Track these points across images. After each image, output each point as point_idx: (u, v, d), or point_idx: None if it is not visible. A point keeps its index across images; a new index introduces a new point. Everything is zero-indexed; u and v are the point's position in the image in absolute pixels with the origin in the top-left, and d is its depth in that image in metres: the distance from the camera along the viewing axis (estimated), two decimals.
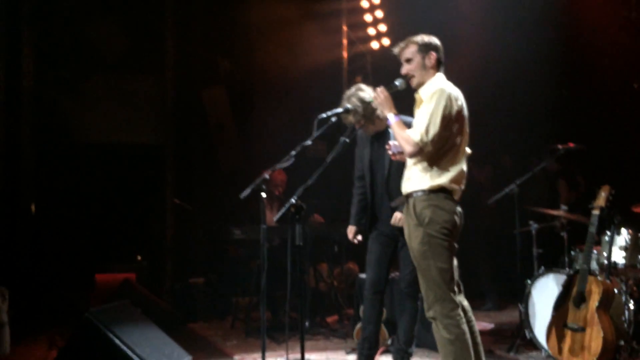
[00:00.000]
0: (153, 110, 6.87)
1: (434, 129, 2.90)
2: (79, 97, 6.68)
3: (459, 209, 3.03)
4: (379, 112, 3.21)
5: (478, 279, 6.54)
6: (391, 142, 3.20)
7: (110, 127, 6.81)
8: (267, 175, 3.37)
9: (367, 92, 3.72)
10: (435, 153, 2.96)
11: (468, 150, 3.17)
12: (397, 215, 3.64)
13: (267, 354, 4.26)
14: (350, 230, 4.01)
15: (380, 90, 3.11)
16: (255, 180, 3.33)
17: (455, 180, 3.00)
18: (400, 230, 3.56)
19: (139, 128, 6.98)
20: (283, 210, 3.14)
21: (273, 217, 5.24)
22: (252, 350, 4.61)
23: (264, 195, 3.38)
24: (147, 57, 6.77)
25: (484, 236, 6.51)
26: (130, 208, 6.71)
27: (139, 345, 3.47)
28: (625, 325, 3.87)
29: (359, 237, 4.00)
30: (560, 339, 3.76)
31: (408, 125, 3.23)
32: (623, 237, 4.15)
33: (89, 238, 6.41)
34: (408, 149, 2.95)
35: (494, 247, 6.51)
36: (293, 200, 3.09)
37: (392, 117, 3.06)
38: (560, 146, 4.91)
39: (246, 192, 3.30)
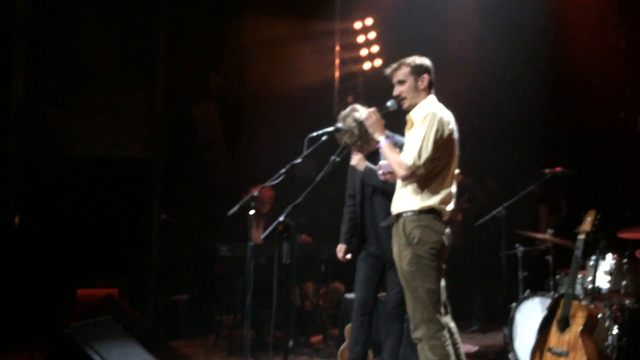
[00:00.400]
0: (142, 124, 6.86)
1: (426, 153, 2.94)
2: (67, 110, 6.65)
3: (447, 230, 3.05)
4: (370, 132, 3.23)
5: (466, 300, 6.55)
6: (381, 162, 3.22)
7: (99, 141, 6.78)
8: (255, 193, 3.37)
9: (362, 112, 3.75)
10: (426, 175, 2.99)
11: (457, 171, 3.20)
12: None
13: None
14: (340, 248, 4.00)
15: (372, 111, 3.14)
16: (243, 197, 3.33)
17: (444, 201, 3.03)
18: (389, 251, 3.56)
19: (127, 142, 6.95)
20: (271, 228, 3.13)
21: (260, 234, 5.23)
22: None
23: (251, 212, 3.38)
24: (139, 72, 6.77)
25: (475, 257, 6.53)
26: (116, 222, 6.65)
27: None
28: (609, 350, 3.87)
29: (349, 256, 3.99)
30: None
31: (399, 146, 3.25)
32: (608, 262, 4.17)
33: (72, 252, 6.33)
34: (401, 172, 2.97)
35: (483, 269, 6.52)
36: (281, 218, 3.08)
37: (382, 140, 3.09)
38: (547, 170, 4.97)
39: (234, 210, 3.29)
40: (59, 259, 6.23)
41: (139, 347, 3.84)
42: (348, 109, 3.84)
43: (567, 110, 7.10)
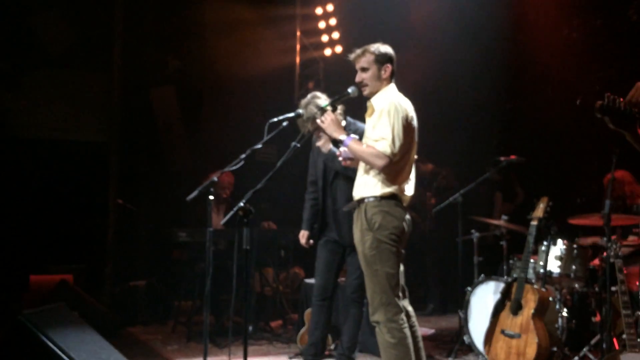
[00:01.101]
0: (98, 107, 6.68)
1: (399, 140, 2.99)
2: (19, 91, 6.41)
3: (407, 216, 3.10)
4: (329, 135, 3.23)
5: (423, 284, 6.70)
6: (341, 149, 3.23)
7: (53, 124, 6.58)
8: (215, 178, 3.33)
9: (322, 99, 3.75)
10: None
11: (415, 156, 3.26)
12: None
13: (209, 358, 4.22)
14: (303, 235, 4.02)
15: (326, 114, 3.14)
16: (202, 182, 3.29)
17: (404, 188, 3.09)
18: (349, 236, 3.60)
19: (82, 125, 6.77)
20: (231, 213, 3.11)
21: (220, 220, 5.19)
22: (193, 354, 4.53)
23: (211, 198, 3.35)
24: (94, 52, 6.58)
25: (431, 243, 6.67)
26: (70, 207, 6.48)
27: (74, 350, 3.34)
28: (559, 332, 4.03)
29: (311, 242, 4.02)
30: (497, 345, 3.88)
31: (358, 132, 3.28)
32: (559, 247, 4.32)
33: (25, 237, 6.14)
34: (379, 162, 2.98)
35: (439, 253, 6.67)
36: (242, 204, 3.06)
37: (345, 138, 3.09)
38: (502, 158, 5.09)
39: (194, 195, 3.26)
40: (11, 244, 6.03)
41: (94, 333, 3.77)
42: (309, 96, 3.84)
43: (522, 100, 7.28)
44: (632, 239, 4.38)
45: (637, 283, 3.97)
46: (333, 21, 7.79)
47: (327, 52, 7.87)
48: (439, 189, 6.45)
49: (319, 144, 3.72)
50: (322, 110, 3.23)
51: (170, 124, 7.26)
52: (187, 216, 5.46)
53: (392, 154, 2.97)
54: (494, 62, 6.98)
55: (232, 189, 5.45)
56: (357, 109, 3.63)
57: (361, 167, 3.15)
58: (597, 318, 4.16)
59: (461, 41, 6.91)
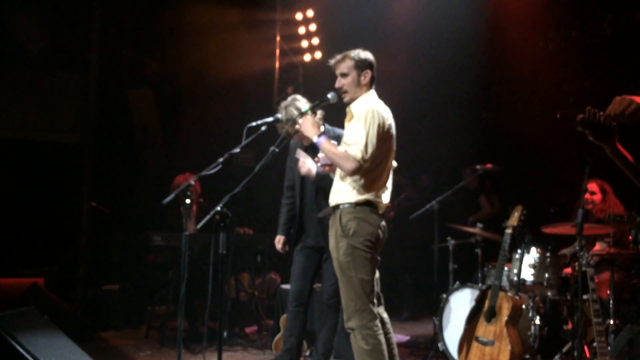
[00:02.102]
0: (74, 108, 6.56)
1: (372, 147, 2.99)
2: None
3: (383, 222, 3.11)
4: (305, 136, 3.24)
5: (398, 290, 6.71)
6: (320, 155, 3.23)
7: (27, 124, 6.45)
8: (192, 181, 3.30)
9: (302, 102, 3.76)
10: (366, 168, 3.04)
11: (394, 163, 3.27)
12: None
13: None
14: (279, 240, 4.00)
15: (303, 117, 3.15)
16: (173, 186, 3.26)
17: (380, 195, 3.09)
18: (325, 242, 3.60)
19: (57, 126, 6.64)
20: (208, 217, 3.09)
21: (191, 224, 5.15)
22: None
23: (188, 201, 3.32)
24: (71, 53, 6.47)
25: (407, 250, 6.70)
26: (43, 209, 6.36)
27: (43, 354, 3.28)
28: (531, 339, 4.08)
29: (287, 248, 4.00)
30: (471, 352, 3.90)
31: (338, 138, 3.28)
32: (532, 255, 4.38)
33: None
34: (349, 166, 2.99)
35: (415, 260, 6.71)
36: (218, 208, 3.04)
37: (318, 139, 3.09)
38: (478, 167, 5.16)
39: (170, 198, 3.22)
40: None
41: (65, 338, 3.70)
42: (289, 99, 3.85)
43: (498, 109, 7.38)
44: (600, 247, 4.45)
45: (607, 292, 4.04)
46: (313, 27, 7.81)
47: (307, 57, 7.88)
48: (399, 207, 6.49)
49: (300, 166, 3.67)
50: (302, 114, 3.23)
51: (147, 126, 7.18)
52: (161, 220, 5.41)
53: (362, 159, 2.97)
54: (471, 71, 7.06)
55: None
56: (337, 115, 3.64)
57: (338, 173, 3.15)
58: (569, 326, 4.21)
59: (439, 50, 6.99)
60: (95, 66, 6.29)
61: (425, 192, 6.99)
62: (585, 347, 3.99)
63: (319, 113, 3.75)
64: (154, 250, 5.34)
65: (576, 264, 3.78)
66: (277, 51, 7.94)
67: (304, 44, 7.88)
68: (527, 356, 3.93)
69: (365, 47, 3.32)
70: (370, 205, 3.05)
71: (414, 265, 6.76)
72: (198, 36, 7.12)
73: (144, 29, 7.04)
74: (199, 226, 3.04)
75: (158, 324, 5.25)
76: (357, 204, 3.04)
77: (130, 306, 5.84)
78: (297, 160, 3.84)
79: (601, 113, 1.89)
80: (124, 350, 4.86)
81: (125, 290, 5.91)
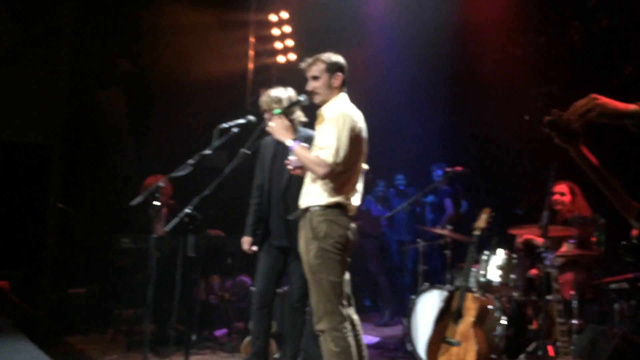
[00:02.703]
0: (42, 107, 6.43)
1: (343, 151, 3.01)
2: None
3: (353, 225, 3.13)
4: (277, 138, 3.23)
5: (375, 292, 6.77)
6: (290, 158, 3.24)
7: None
8: (161, 183, 3.28)
9: (278, 90, 3.77)
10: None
11: (365, 166, 3.30)
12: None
13: None
14: (246, 241, 3.96)
15: (276, 117, 3.16)
16: (143, 187, 3.23)
17: (350, 197, 3.11)
18: (292, 242, 3.60)
19: (24, 125, 6.49)
20: (176, 219, 3.06)
21: (160, 226, 5.10)
22: None
23: (157, 203, 3.28)
24: (40, 51, 6.33)
25: (382, 251, 6.77)
26: (8, 210, 6.21)
27: None
28: (497, 339, 4.14)
29: (254, 248, 3.97)
30: (439, 352, 3.95)
31: (309, 140, 3.29)
32: (499, 257, 4.44)
33: None
34: (320, 170, 3.00)
35: (388, 262, 6.78)
36: (188, 210, 3.02)
37: (292, 143, 3.10)
38: (448, 169, 5.24)
39: (138, 200, 3.19)
40: None
41: (29, 343, 3.63)
42: (263, 95, 3.85)
43: (468, 113, 7.49)
44: (567, 249, 4.54)
45: (571, 292, 4.13)
46: (287, 29, 7.81)
47: (281, 59, 7.88)
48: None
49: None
50: (274, 116, 3.23)
51: (117, 127, 7.08)
52: (130, 222, 5.34)
53: (334, 163, 2.99)
54: (443, 74, 7.17)
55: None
56: (309, 117, 3.65)
57: (308, 176, 3.16)
58: (534, 326, 4.29)
59: (411, 53, 7.07)
60: (64, 65, 6.18)
61: (400, 194, 7.08)
62: (550, 347, 4.07)
63: (298, 114, 3.77)
64: (122, 253, 5.27)
65: (541, 265, 3.86)
66: (251, 52, 7.92)
67: (278, 45, 7.87)
68: (494, 356, 3.99)
69: (339, 49, 3.35)
70: (340, 208, 3.07)
71: (388, 267, 6.84)
72: (170, 36, 7.05)
73: (115, 28, 6.94)
74: (167, 228, 3.01)
75: (125, 327, 5.18)
76: (328, 207, 3.05)
77: (97, 310, 5.74)
78: (266, 159, 3.82)
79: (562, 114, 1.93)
80: (90, 355, 4.78)
81: (92, 293, 5.80)
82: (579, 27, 6.36)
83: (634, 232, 2.06)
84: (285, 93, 3.78)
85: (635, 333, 4.00)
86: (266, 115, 3.73)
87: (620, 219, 2.18)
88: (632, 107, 1.72)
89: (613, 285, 4.82)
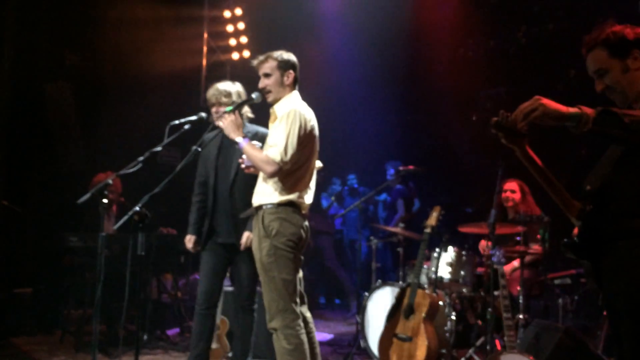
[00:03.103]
0: None
1: (292, 149, 3.00)
2: None
3: (306, 223, 3.14)
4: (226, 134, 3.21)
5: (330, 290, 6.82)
6: (244, 155, 3.22)
7: None
8: (110, 180, 3.20)
9: (227, 84, 3.74)
10: (288, 170, 3.05)
11: (319, 163, 3.32)
12: (246, 234, 3.54)
13: None
14: (190, 239, 3.83)
15: (227, 115, 3.14)
16: (91, 184, 3.14)
17: (303, 195, 3.12)
18: (237, 239, 3.59)
19: None
20: (126, 217, 3.00)
21: (110, 224, 4.99)
22: None
23: (105, 201, 3.20)
24: None
25: (337, 249, 6.82)
26: None
27: None
28: (447, 335, 4.24)
29: (198, 247, 3.84)
30: (390, 348, 4.02)
31: (263, 139, 3.28)
32: (449, 254, 4.56)
33: None
34: (268, 168, 3.00)
35: (343, 259, 6.84)
36: (137, 208, 2.96)
37: (241, 140, 3.09)
38: (401, 168, 5.32)
39: (86, 197, 3.10)
40: None
41: None
42: (211, 90, 3.79)
43: (421, 113, 7.63)
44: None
45: (518, 288, 4.27)
46: (241, 25, 7.76)
47: (235, 56, 7.82)
48: None
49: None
50: (225, 113, 3.21)
51: (65, 121, 6.85)
52: (78, 220, 5.20)
53: (282, 161, 2.99)
54: (395, 74, 7.27)
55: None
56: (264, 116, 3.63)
57: (260, 174, 3.16)
58: (482, 321, 4.41)
59: (365, 52, 7.14)
60: (8, 58, 5.95)
61: (353, 192, 7.14)
62: (497, 341, 4.20)
63: (246, 110, 3.73)
64: (70, 252, 5.13)
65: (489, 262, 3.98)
66: (205, 48, 7.83)
67: (232, 42, 7.81)
68: (443, 350, 4.09)
69: (294, 47, 3.35)
70: (292, 206, 3.07)
71: (344, 264, 6.89)
72: (122, 29, 6.89)
73: (63, 20, 6.72)
74: (115, 227, 2.94)
75: (74, 328, 5.05)
76: (280, 205, 3.05)
77: (44, 310, 5.58)
78: (211, 154, 3.73)
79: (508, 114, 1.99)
80: (37, 357, 4.63)
81: (39, 293, 5.63)
82: (526, 31, 6.58)
83: (575, 231, 2.15)
84: (234, 87, 3.73)
85: (577, 327, 4.18)
86: (214, 109, 3.68)
87: (563, 218, 2.27)
88: (573, 110, 1.79)
89: (557, 281, 5.02)
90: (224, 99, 3.67)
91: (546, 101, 1.81)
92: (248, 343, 3.86)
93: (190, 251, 3.88)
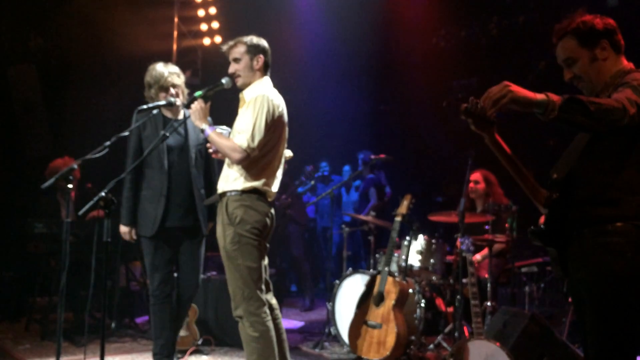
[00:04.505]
0: None
1: (259, 135, 2.96)
2: None
3: (272, 210, 3.11)
4: (193, 121, 3.16)
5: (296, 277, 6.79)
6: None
7: None
8: (75, 166, 3.12)
9: (167, 65, 3.70)
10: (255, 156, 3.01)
11: (289, 153, 3.28)
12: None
13: (64, 357, 3.97)
14: (128, 230, 3.64)
15: (195, 103, 3.10)
16: (48, 170, 3.04)
17: (269, 183, 3.08)
18: (193, 222, 3.59)
19: None
20: (91, 203, 2.92)
21: (66, 210, 4.88)
22: (47, 354, 4.22)
23: (70, 186, 3.12)
24: None
25: (310, 238, 6.79)
26: None
27: None
28: (417, 322, 4.28)
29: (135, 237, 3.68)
30: (360, 335, 4.04)
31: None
32: (419, 242, 4.59)
33: None
34: (236, 156, 2.96)
35: (312, 248, 6.81)
36: (103, 194, 2.89)
37: (207, 129, 3.05)
38: (373, 156, 5.32)
39: (50, 182, 3.01)
40: None
41: None
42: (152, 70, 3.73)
43: (393, 103, 7.65)
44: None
45: (486, 276, 4.33)
46: (213, 10, 7.63)
47: (206, 41, 7.70)
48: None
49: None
50: (194, 99, 3.15)
51: (29, 105, 6.66)
52: (40, 206, 5.08)
53: (249, 147, 2.95)
54: (369, 63, 7.26)
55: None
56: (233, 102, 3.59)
57: (226, 160, 3.12)
58: (451, 308, 4.47)
59: (338, 41, 7.11)
60: None
61: (325, 180, 7.13)
62: (465, 328, 4.26)
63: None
64: (35, 238, 5.00)
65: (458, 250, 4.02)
66: (175, 33, 7.67)
67: (204, 27, 7.68)
68: (413, 337, 4.13)
69: (266, 33, 3.30)
70: (257, 193, 3.04)
71: (316, 252, 6.88)
72: (88, 11, 6.69)
73: (27, 1, 6.52)
74: (80, 212, 2.87)
75: (39, 316, 4.95)
76: (244, 192, 3.01)
77: (8, 298, 5.46)
78: (156, 135, 3.53)
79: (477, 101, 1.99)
80: (2, 345, 4.53)
81: (3, 280, 5.50)
82: (497, 22, 6.63)
83: (542, 220, 2.17)
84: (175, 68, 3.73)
85: (543, 314, 4.26)
86: (172, 91, 3.61)
87: (531, 207, 2.30)
88: (540, 96, 1.80)
89: (524, 269, 5.11)
90: (177, 80, 3.63)
91: (515, 87, 1.82)
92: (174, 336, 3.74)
93: (129, 241, 3.70)
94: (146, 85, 3.68)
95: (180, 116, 3.71)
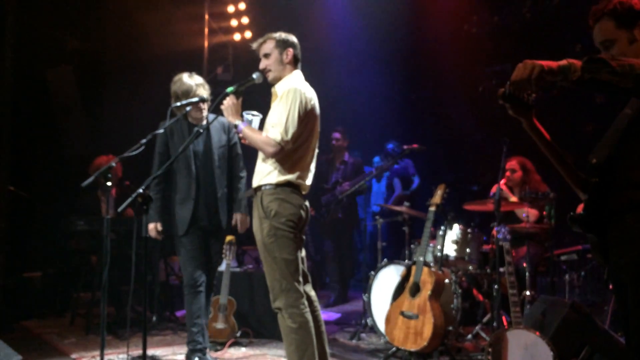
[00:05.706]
0: None
1: (293, 128, 2.99)
2: None
3: (306, 203, 3.14)
4: (226, 116, 3.23)
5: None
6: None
7: None
8: (113, 163, 3.19)
9: (192, 75, 3.82)
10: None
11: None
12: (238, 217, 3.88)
13: (107, 351, 4.08)
14: (153, 227, 3.82)
15: (227, 99, 3.14)
16: (91, 168, 3.13)
17: (302, 176, 3.11)
18: (218, 222, 3.81)
19: None
20: (129, 200, 3.00)
21: (107, 207, 5.01)
22: (92, 348, 4.35)
23: (109, 184, 3.20)
24: None
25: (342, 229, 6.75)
26: None
27: None
28: (454, 312, 4.25)
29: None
30: (397, 325, 4.03)
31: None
32: (455, 232, 4.55)
33: None
34: (270, 149, 3.00)
35: (349, 240, 6.78)
36: (140, 190, 2.96)
37: (239, 124, 3.12)
38: (405, 147, 5.28)
39: (90, 180, 3.10)
40: None
41: None
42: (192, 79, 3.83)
43: (425, 91, 7.57)
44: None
45: (524, 265, 4.26)
46: (242, 5, 7.68)
47: (237, 37, 7.76)
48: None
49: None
50: (225, 95, 3.20)
51: (68, 106, 6.85)
52: (80, 204, 5.23)
53: (282, 140, 2.98)
54: (400, 53, 7.19)
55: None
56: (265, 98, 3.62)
57: (259, 155, 3.15)
58: (489, 298, 4.42)
59: (369, 32, 7.07)
60: (11, 42, 5.91)
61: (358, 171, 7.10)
62: (504, 318, 4.21)
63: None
64: (77, 235, 5.16)
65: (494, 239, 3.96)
66: (206, 30, 7.76)
67: (234, 22, 7.74)
68: (450, 328, 4.10)
69: (296, 27, 3.33)
70: (291, 186, 3.06)
71: (347, 245, 6.83)
72: (122, 12, 6.83)
73: (64, 4, 6.68)
74: (119, 209, 2.95)
75: (84, 311, 5.10)
76: (278, 185, 3.05)
77: (53, 293, 5.64)
78: (184, 139, 3.75)
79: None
80: (47, 339, 4.69)
81: (48, 277, 5.69)
82: (531, 6, 6.48)
83: (581, 207, 2.12)
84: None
85: (583, 302, 4.18)
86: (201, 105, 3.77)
87: (570, 193, 2.25)
88: (562, 62, 1.75)
89: (563, 257, 5.01)
90: (204, 92, 3.80)
91: (535, 61, 1.77)
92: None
93: (156, 238, 3.89)
94: (173, 96, 3.79)
95: (204, 122, 3.85)
